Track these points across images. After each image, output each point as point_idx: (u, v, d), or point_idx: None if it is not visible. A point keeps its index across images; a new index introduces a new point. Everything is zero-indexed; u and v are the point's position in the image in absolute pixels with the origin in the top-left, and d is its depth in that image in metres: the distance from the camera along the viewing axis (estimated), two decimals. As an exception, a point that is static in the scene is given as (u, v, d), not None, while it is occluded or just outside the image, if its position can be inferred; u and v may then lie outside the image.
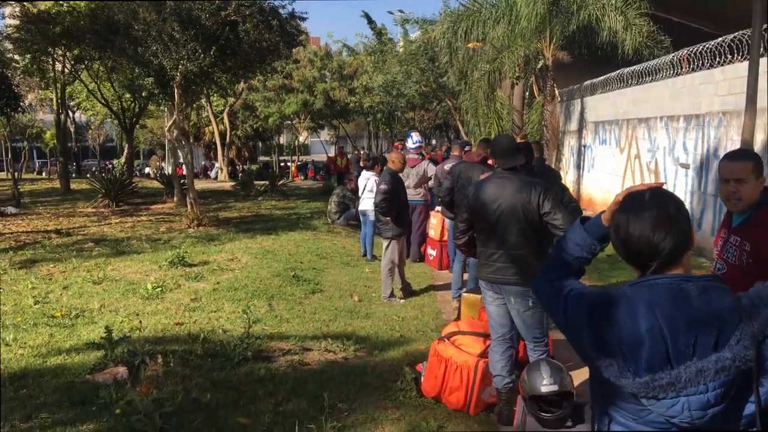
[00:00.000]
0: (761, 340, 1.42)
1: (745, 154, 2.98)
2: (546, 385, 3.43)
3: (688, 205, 9.44)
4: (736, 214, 2.89)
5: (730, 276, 2.81)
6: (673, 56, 10.82)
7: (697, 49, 9.81)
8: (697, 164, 9.61)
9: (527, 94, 17.93)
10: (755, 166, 2.77)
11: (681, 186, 10.03)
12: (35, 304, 6.33)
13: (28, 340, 5.27)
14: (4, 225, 11.49)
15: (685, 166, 9.93)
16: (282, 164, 38.34)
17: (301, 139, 41.53)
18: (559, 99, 15.86)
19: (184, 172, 20.76)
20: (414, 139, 10.05)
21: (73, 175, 24.44)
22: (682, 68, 10.45)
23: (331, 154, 40.79)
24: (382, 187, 7.18)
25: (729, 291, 1.51)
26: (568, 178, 16.16)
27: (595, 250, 1.83)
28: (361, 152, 29.40)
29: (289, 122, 35.47)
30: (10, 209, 13.43)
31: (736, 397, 1.45)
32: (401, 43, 29.56)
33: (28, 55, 17.06)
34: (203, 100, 26.29)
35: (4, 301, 6.47)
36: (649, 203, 1.57)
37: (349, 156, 26.80)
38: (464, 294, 5.88)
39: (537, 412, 3.45)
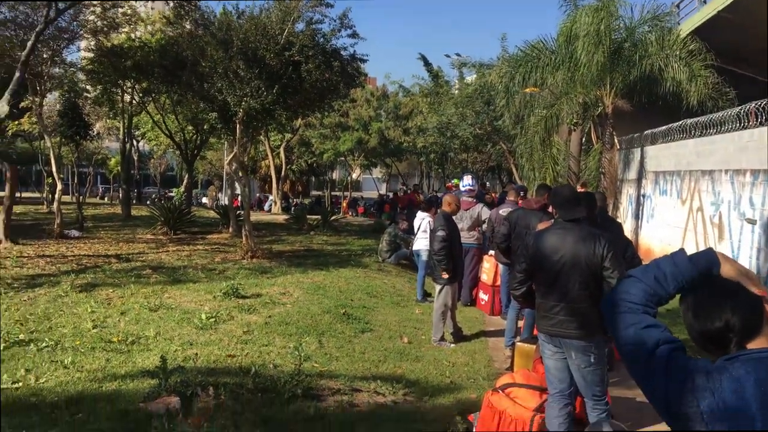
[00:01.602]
0: None
1: None
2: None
3: (754, 262, 9.12)
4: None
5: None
6: (740, 109, 10.55)
7: (766, 103, 9.55)
8: (765, 220, 9.26)
9: (584, 140, 17.75)
10: None
11: (747, 242, 9.67)
12: (93, 328, 6.48)
13: (85, 363, 5.39)
14: (68, 248, 11.92)
15: (752, 222, 9.58)
16: (333, 199, 38.87)
17: (354, 175, 42.01)
18: (618, 147, 15.63)
19: (240, 204, 21.31)
20: (465, 182, 9.97)
21: (134, 202, 25.24)
22: (749, 122, 10.17)
23: (382, 191, 41.26)
24: (440, 233, 7.05)
25: None
26: (626, 227, 15.79)
27: (692, 282, 1.59)
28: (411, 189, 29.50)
29: (343, 159, 36.01)
30: (74, 232, 13.93)
31: None
32: (457, 86, 29.81)
33: (100, 87, 17.91)
34: (261, 135, 26.97)
35: (64, 323, 6.66)
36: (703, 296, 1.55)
37: (399, 193, 26.92)
38: (518, 343, 5.76)
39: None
